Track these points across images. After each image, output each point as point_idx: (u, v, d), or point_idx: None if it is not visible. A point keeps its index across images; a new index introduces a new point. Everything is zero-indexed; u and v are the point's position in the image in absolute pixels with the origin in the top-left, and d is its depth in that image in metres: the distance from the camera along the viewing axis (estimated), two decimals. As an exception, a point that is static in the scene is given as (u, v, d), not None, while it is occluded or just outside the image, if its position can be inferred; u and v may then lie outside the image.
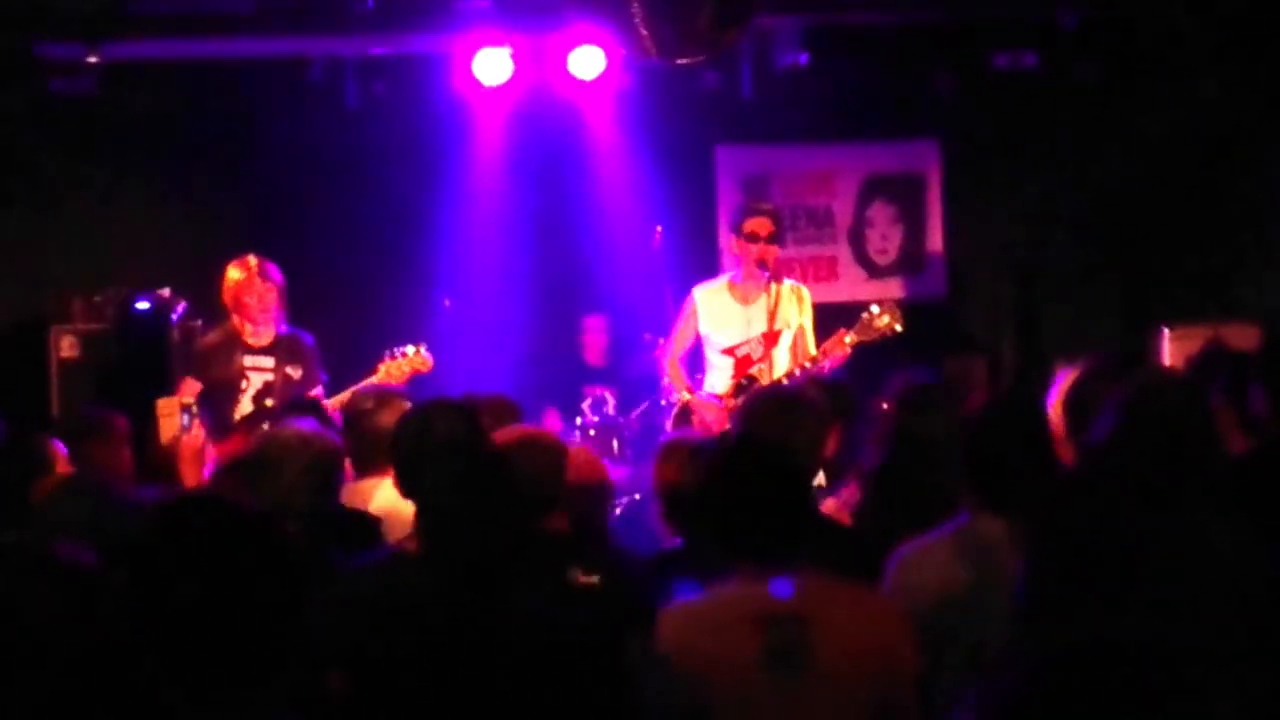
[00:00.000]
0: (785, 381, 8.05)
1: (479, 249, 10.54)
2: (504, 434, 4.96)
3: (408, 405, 5.90)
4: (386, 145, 10.39)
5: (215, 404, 8.14)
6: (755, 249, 8.32)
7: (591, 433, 9.64)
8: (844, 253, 11.31)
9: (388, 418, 5.85)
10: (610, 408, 10.13)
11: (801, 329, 8.44)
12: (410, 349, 8.08)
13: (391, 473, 4.79)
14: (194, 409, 7.96)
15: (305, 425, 5.26)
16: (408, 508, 5.45)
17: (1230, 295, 10.63)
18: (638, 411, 9.85)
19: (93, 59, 9.23)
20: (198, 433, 7.80)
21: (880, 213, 11.32)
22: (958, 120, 10.95)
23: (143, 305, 9.34)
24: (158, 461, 7.63)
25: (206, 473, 7.58)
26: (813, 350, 8.34)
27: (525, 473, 4.51)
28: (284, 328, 8.24)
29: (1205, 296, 10.58)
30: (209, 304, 8.78)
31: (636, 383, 10.05)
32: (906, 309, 8.33)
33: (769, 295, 8.28)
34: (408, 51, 9.92)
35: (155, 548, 2.88)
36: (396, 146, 10.41)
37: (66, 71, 9.35)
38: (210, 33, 9.21)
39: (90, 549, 3.21)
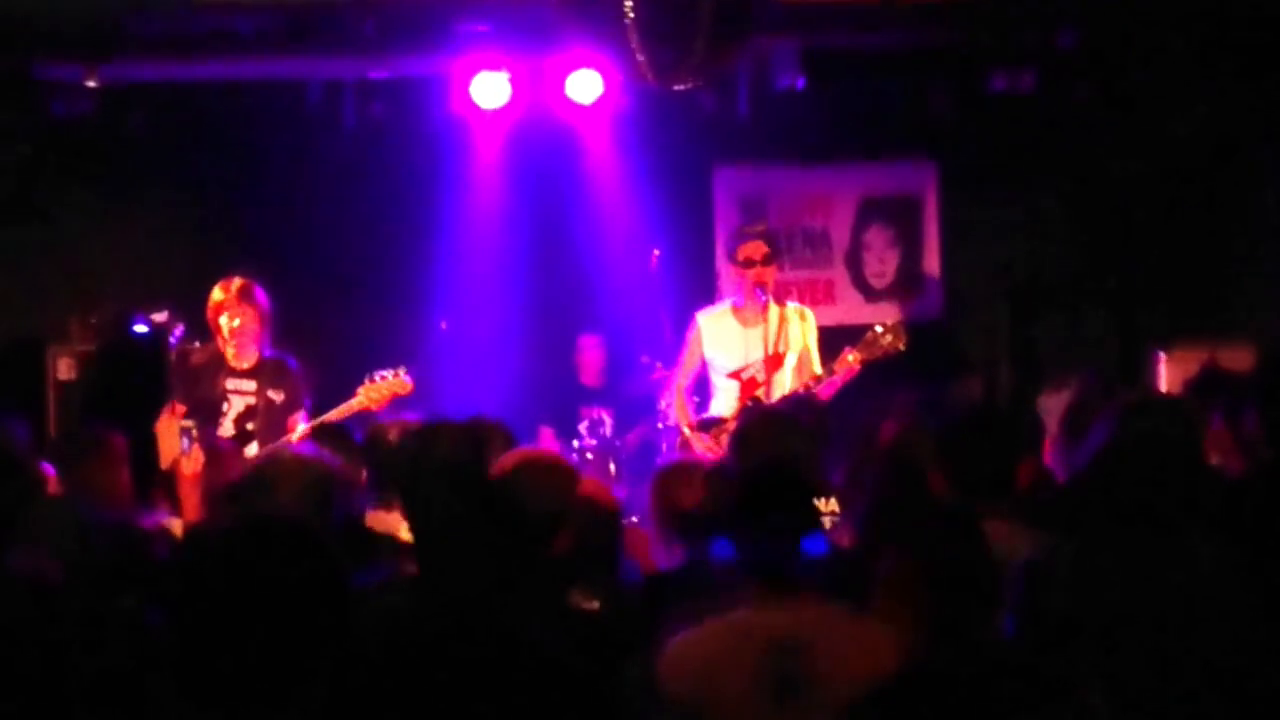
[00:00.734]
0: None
1: (476, 271, 10.55)
2: (511, 455, 4.95)
3: None
4: (384, 167, 10.40)
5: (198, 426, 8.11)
6: (751, 274, 8.37)
7: (588, 455, 9.64)
8: (841, 276, 11.32)
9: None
10: (607, 429, 10.13)
11: (806, 351, 8.48)
12: (389, 372, 8.07)
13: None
14: (194, 431, 7.95)
15: (303, 448, 5.25)
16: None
17: (1226, 317, 10.64)
18: (635, 436, 9.84)
19: (91, 81, 9.24)
20: (197, 455, 7.79)
21: (877, 235, 11.33)
22: (954, 142, 10.97)
23: (141, 327, 9.34)
24: (157, 483, 7.62)
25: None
26: (818, 370, 8.38)
27: (531, 495, 4.50)
28: (269, 351, 8.21)
29: (1201, 318, 10.60)
30: (207, 326, 8.78)
31: (633, 404, 10.05)
32: (909, 332, 8.38)
33: (771, 317, 8.33)
34: (406, 74, 9.94)
35: (206, 568, 2.88)
36: (394, 168, 10.42)
37: (65, 93, 9.36)
38: (209, 55, 9.22)
39: (55, 564, 3.22)
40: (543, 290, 10.76)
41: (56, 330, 9.62)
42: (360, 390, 8.01)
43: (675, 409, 8.76)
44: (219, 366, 8.15)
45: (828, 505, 5.36)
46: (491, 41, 9.36)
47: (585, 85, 9.70)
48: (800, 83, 9.89)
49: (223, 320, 8.09)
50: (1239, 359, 7.89)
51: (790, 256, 10.97)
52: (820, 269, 11.28)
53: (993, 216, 11.15)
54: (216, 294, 8.15)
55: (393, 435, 5.87)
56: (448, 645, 3.85)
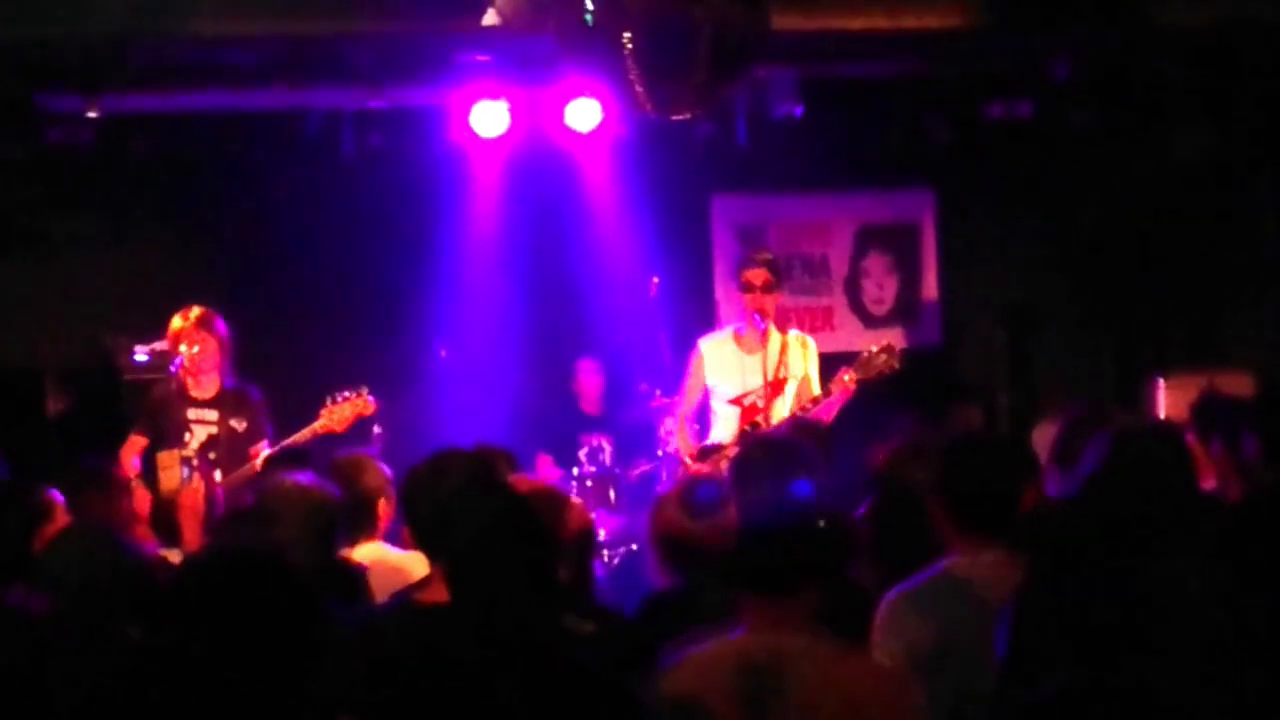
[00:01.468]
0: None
1: (475, 298, 10.56)
2: (515, 485, 4.96)
3: (380, 463, 5.96)
4: (384, 196, 10.42)
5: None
6: (750, 299, 8.47)
7: (589, 483, 9.64)
8: (840, 303, 11.34)
9: (371, 479, 5.89)
10: (607, 456, 10.13)
11: (807, 378, 8.53)
12: (351, 392, 8.08)
13: (378, 537, 4.72)
14: (194, 461, 7.96)
15: (303, 477, 5.26)
16: (397, 562, 5.48)
17: (1224, 343, 10.67)
18: (636, 465, 9.83)
19: (92, 112, 9.25)
20: (198, 484, 7.79)
21: (876, 262, 11.36)
22: (952, 170, 11.01)
23: (141, 357, 9.35)
24: (158, 513, 7.62)
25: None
26: (816, 392, 8.43)
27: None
28: (230, 380, 8.20)
29: (1199, 344, 10.62)
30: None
31: (633, 431, 10.06)
32: (903, 352, 8.44)
33: (772, 345, 8.39)
34: (405, 104, 9.96)
35: (190, 600, 2.89)
36: (393, 197, 10.43)
37: (64, 123, 9.37)
38: (208, 85, 9.24)
39: (43, 594, 3.22)
40: (542, 318, 10.77)
41: (56, 359, 9.62)
42: (322, 412, 8.02)
43: (677, 437, 8.79)
44: (179, 397, 8.13)
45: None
46: (491, 71, 9.38)
47: (584, 114, 9.72)
48: (798, 111, 9.92)
49: (182, 349, 8.08)
50: (1238, 385, 7.92)
51: (789, 283, 10.98)
52: (819, 296, 11.30)
53: (991, 244, 11.19)
54: (175, 322, 8.16)
55: (348, 472, 5.87)
56: (493, 670, 3.84)
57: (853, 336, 11.11)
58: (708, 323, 10.25)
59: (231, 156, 10.15)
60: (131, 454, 8.13)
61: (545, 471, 9.68)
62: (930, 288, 11.37)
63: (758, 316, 8.44)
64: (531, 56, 8.81)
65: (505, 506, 4.17)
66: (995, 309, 11.21)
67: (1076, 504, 4.43)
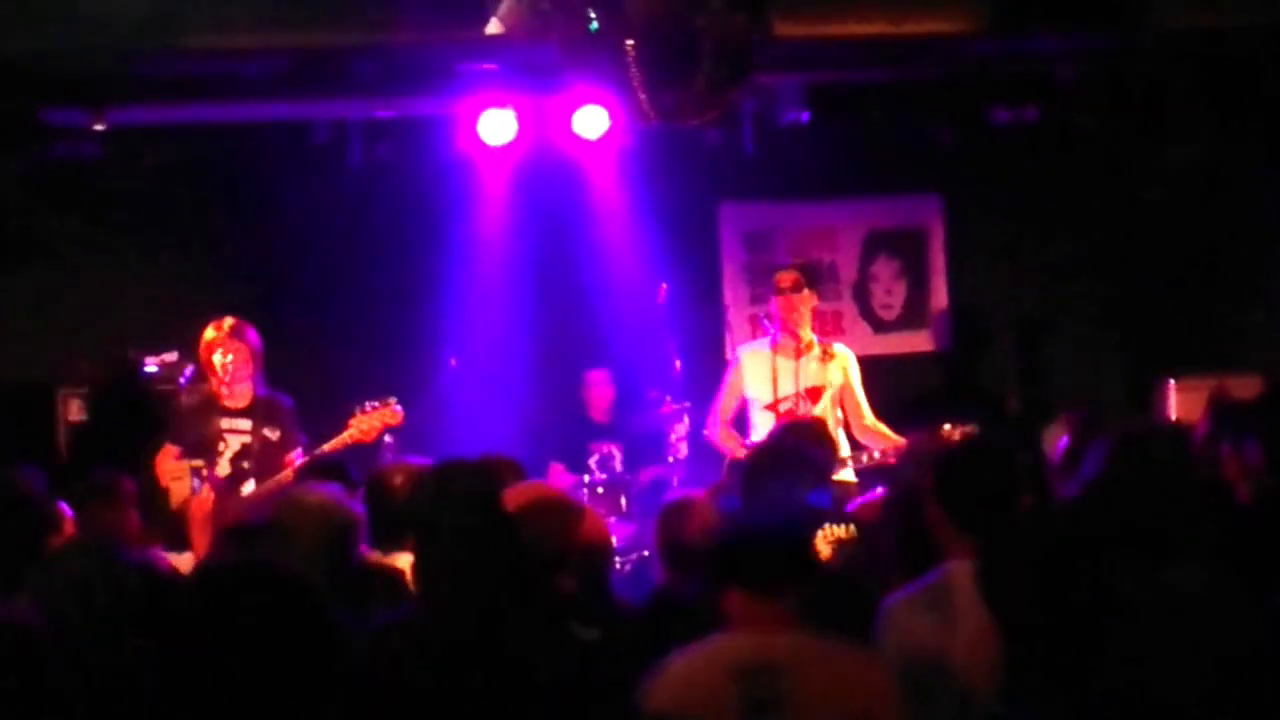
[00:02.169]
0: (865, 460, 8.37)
1: (484, 307, 10.57)
2: (519, 493, 4.97)
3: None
4: (391, 206, 10.43)
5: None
6: (778, 300, 8.58)
7: (600, 490, 9.64)
8: (849, 308, 11.33)
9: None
10: (617, 464, 10.14)
11: (848, 388, 8.59)
12: (378, 402, 8.09)
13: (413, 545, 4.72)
14: (204, 472, 7.97)
15: (327, 490, 5.26)
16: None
17: (1234, 346, 10.65)
18: (646, 472, 9.83)
19: (98, 125, 9.28)
20: (207, 495, 7.81)
21: (884, 267, 11.35)
22: (959, 175, 11.01)
23: (150, 368, 9.37)
24: (167, 524, 7.64)
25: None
26: (863, 405, 8.59)
27: (537, 532, 4.53)
28: (262, 390, 8.22)
29: (1209, 348, 10.60)
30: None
31: (643, 438, 10.07)
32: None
33: (810, 352, 8.47)
34: (412, 114, 9.97)
35: (199, 614, 2.89)
36: (401, 207, 10.45)
37: (71, 136, 9.40)
38: (214, 97, 9.26)
39: (34, 608, 3.22)
40: (551, 325, 10.77)
41: (66, 372, 9.64)
42: (351, 422, 8.03)
43: (723, 439, 8.78)
44: (212, 407, 8.16)
45: (847, 532, 5.39)
46: (497, 80, 9.38)
47: (591, 121, 9.72)
48: (805, 117, 9.93)
49: (215, 358, 8.11)
50: (1248, 388, 7.90)
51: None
52: (828, 301, 11.27)
53: (999, 248, 11.17)
54: (208, 333, 8.18)
55: (398, 479, 5.88)
56: (452, 676, 3.87)
57: (862, 341, 11.10)
58: (716, 330, 10.26)
59: (239, 168, 10.18)
60: (181, 464, 8.13)
61: (558, 479, 9.70)
62: (939, 293, 11.36)
63: (785, 320, 8.53)
64: (537, 65, 8.82)
65: (483, 519, 4.20)
66: (1004, 313, 11.20)
67: (1077, 507, 4.43)
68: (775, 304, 8.67)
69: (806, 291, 8.66)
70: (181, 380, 9.11)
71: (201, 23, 8.18)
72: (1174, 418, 9.49)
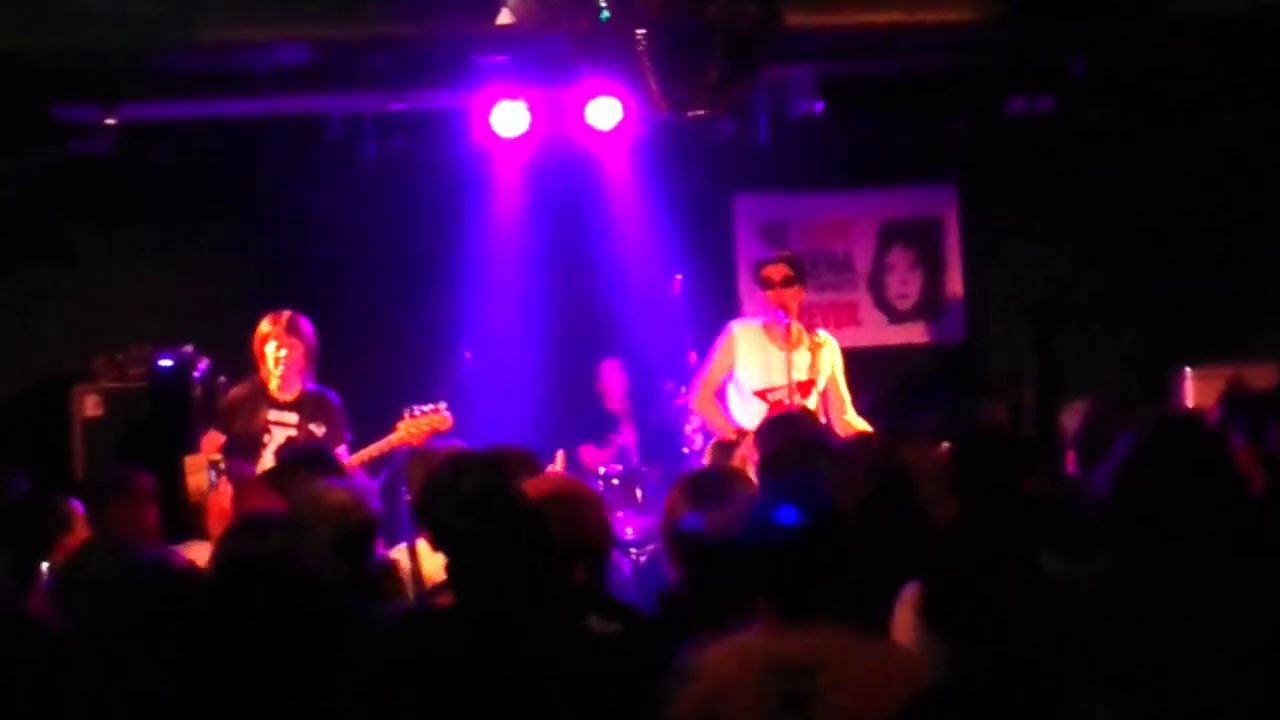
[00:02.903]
0: None
1: (498, 300, 10.57)
2: (537, 485, 4.96)
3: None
4: (405, 199, 10.44)
5: (239, 457, 8.14)
6: (770, 295, 8.49)
7: (615, 481, 9.63)
8: (864, 298, 11.32)
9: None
10: (632, 455, 10.14)
11: (833, 379, 8.54)
12: (429, 407, 8.10)
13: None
14: (221, 465, 7.98)
15: (346, 486, 5.27)
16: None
17: (1251, 335, 10.62)
18: (660, 463, 9.83)
19: (111, 121, 9.29)
20: (225, 489, 7.81)
21: (899, 258, 11.34)
22: (974, 165, 10.99)
23: (165, 363, 9.37)
24: (185, 519, 7.63)
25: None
26: (846, 397, 8.47)
27: (559, 524, 4.52)
28: (311, 384, 8.26)
29: (1226, 337, 10.57)
30: (230, 361, 8.82)
31: (657, 429, 10.07)
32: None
33: (800, 343, 8.41)
34: (425, 107, 9.97)
35: (210, 610, 2.89)
36: (415, 200, 10.45)
37: (84, 133, 9.41)
38: (227, 92, 9.26)
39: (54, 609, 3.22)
40: (565, 317, 10.77)
41: (82, 368, 9.65)
42: (400, 425, 8.07)
43: (708, 411, 8.71)
44: (260, 399, 8.21)
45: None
46: (510, 73, 9.38)
47: (604, 112, 9.71)
48: (818, 108, 9.91)
49: (268, 350, 8.15)
50: (1265, 377, 7.88)
51: (813, 280, 10.99)
52: (843, 292, 11.28)
53: (1014, 238, 11.15)
54: (264, 326, 8.21)
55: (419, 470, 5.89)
56: (487, 673, 3.86)
57: (877, 331, 11.13)
58: (731, 320, 10.25)
59: (252, 163, 10.18)
60: (212, 450, 8.15)
61: (589, 457, 9.73)
62: (954, 283, 11.34)
63: (780, 313, 8.45)
64: (550, 56, 8.81)
65: (503, 514, 4.19)
66: (1019, 303, 11.17)
67: (1109, 496, 4.40)
68: (767, 297, 8.55)
69: (797, 286, 8.60)
70: (195, 375, 9.12)
71: (214, 18, 8.19)
72: (1190, 406, 9.46)
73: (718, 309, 10.29)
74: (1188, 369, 9.90)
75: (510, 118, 9.71)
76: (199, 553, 5.80)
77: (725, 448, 8.42)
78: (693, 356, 9.40)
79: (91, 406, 9.55)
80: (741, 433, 8.36)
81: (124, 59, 8.53)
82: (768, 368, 8.51)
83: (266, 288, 9.82)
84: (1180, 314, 10.90)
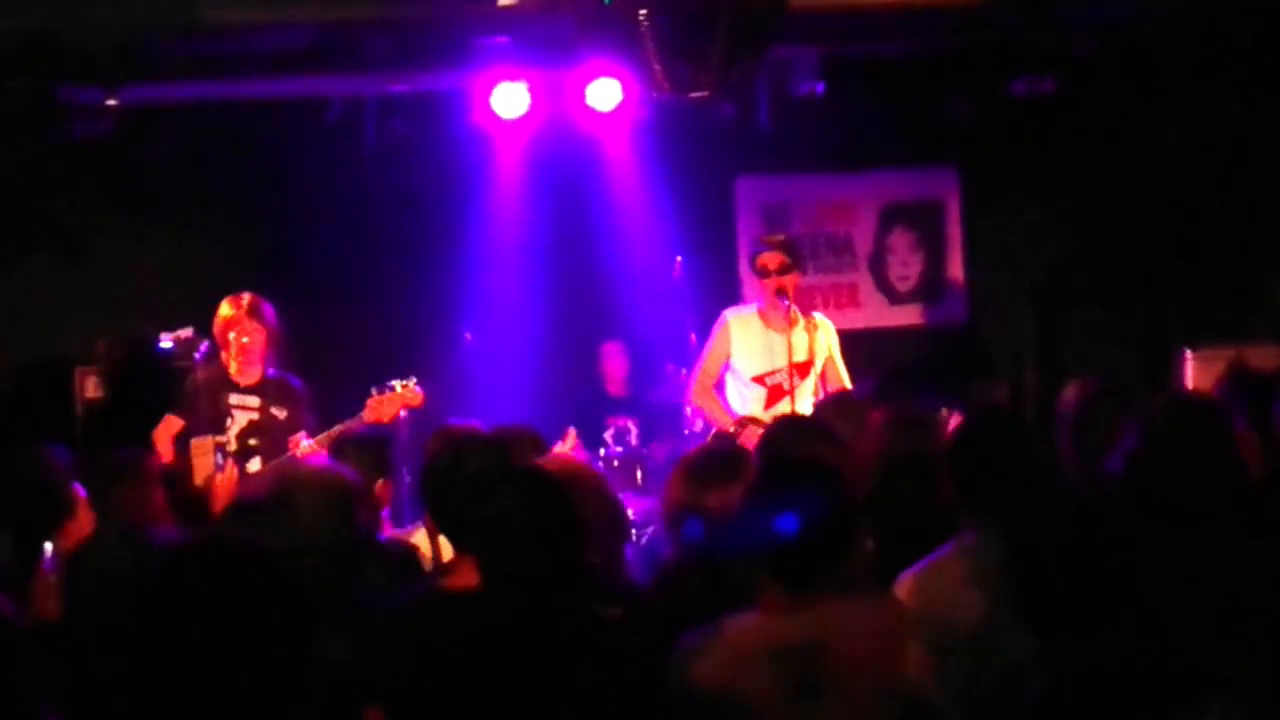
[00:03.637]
0: None
1: (500, 281, 10.57)
2: (546, 465, 4.94)
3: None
4: (406, 181, 10.43)
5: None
6: (768, 283, 8.44)
7: (615, 463, 9.63)
8: (865, 280, 11.32)
9: None
10: (633, 438, 10.14)
11: (830, 360, 8.53)
12: (398, 382, 8.02)
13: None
14: (228, 448, 7.98)
15: (318, 460, 5.25)
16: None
17: (1252, 316, 10.62)
18: (662, 445, 9.83)
19: (113, 102, 9.27)
20: (232, 472, 7.81)
21: (900, 239, 11.33)
22: (976, 147, 10.97)
23: (166, 345, 9.37)
24: (191, 502, 7.63)
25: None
26: (845, 379, 8.41)
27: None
28: (272, 369, 8.22)
29: (1227, 318, 10.57)
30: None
31: (658, 412, 10.06)
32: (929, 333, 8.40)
33: (797, 325, 8.39)
34: (426, 89, 9.96)
35: (159, 593, 2.85)
36: (416, 182, 10.45)
37: (87, 115, 9.39)
38: (229, 74, 9.25)
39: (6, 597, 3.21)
40: (566, 300, 10.77)
41: (84, 350, 9.66)
42: (368, 402, 7.98)
43: (709, 407, 8.69)
44: (222, 383, 8.16)
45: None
46: (511, 54, 9.36)
47: (605, 93, 9.69)
48: (820, 88, 9.89)
49: (231, 336, 8.11)
50: (1266, 358, 7.87)
51: (814, 262, 11.01)
52: (844, 274, 11.28)
53: (1015, 220, 11.15)
54: (225, 309, 8.17)
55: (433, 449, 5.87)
56: (516, 655, 3.85)
57: (878, 314, 11.12)
58: (732, 302, 10.22)
59: (253, 145, 10.18)
60: (166, 435, 8.15)
61: (570, 444, 9.70)
62: (955, 265, 11.34)
63: (780, 298, 8.43)
64: (551, 38, 8.81)
65: (533, 492, 4.17)
66: (1021, 285, 11.17)
67: (1121, 479, 4.40)
68: (765, 285, 8.49)
69: (794, 272, 8.58)
70: (196, 356, 9.11)
71: (215, 0, 8.17)
72: (1191, 388, 9.46)
73: (719, 291, 10.29)
74: (1188, 350, 9.89)
75: (511, 99, 9.70)
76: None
77: (726, 439, 8.41)
78: (693, 338, 9.40)
79: (93, 388, 9.55)
80: (741, 422, 8.35)
81: (127, 40, 8.53)
82: (767, 351, 8.49)
83: (267, 269, 9.82)
84: (1181, 296, 10.90)
